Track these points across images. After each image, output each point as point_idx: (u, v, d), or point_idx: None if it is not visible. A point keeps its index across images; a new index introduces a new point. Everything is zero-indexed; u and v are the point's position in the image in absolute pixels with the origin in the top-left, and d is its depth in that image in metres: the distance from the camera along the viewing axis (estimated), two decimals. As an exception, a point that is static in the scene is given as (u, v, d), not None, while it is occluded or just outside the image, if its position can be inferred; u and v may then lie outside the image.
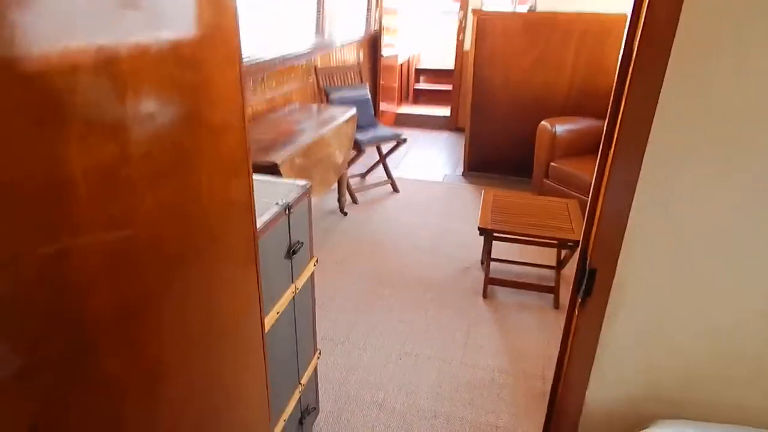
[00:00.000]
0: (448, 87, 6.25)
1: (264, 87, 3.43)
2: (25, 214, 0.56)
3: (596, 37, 3.89)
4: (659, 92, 0.75)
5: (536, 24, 3.99)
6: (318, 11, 4.23)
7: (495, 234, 2.71)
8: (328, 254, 3.23)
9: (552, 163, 3.68)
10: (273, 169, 2.57)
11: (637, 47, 0.74)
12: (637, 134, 0.78)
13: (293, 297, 1.55)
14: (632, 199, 0.83)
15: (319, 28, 4.29)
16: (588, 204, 0.90)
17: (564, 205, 2.94)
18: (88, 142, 0.63)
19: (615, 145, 0.80)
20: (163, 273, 0.82)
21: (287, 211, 1.44)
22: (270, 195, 1.50)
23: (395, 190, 4.29)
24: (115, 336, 0.72)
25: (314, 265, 1.72)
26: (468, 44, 5.51)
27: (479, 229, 2.69)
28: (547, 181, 3.75)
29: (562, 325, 2.57)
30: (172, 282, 0.85)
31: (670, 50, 0.73)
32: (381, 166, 4.30)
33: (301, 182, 1.60)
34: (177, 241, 0.85)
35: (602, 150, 0.85)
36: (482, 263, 3.16)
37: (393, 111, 6.23)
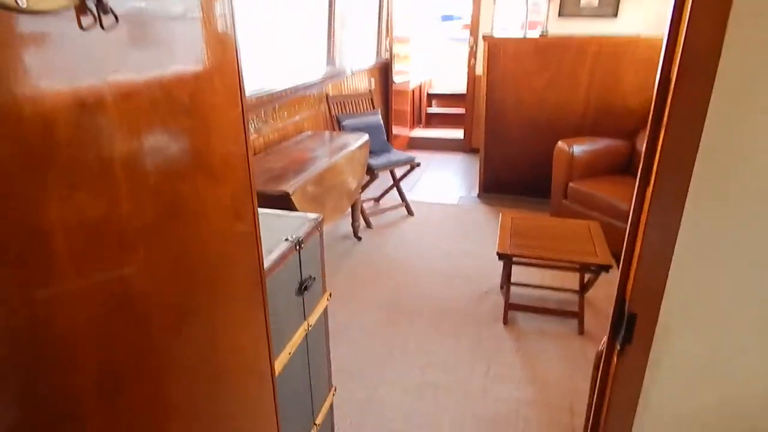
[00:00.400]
0: (461, 110, 6.23)
1: (276, 117, 3.44)
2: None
3: (610, 58, 3.84)
4: (703, 123, 0.69)
5: (548, 47, 3.97)
6: (329, 40, 4.27)
7: (515, 258, 2.64)
8: (342, 281, 3.18)
9: (570, 184, 3.61)
10: (285, 198, 2.55)
11: (676, 76, 0.69)
12: (679, 170, 0.72)
13: (306, 335, 1.49)
14: (675, 239, 0.76)
15: (330, 57, 4.32)
16: (624, 244, 0.84)
17: (586, 227, 2.86)
18: (71, 198, 0.59)
19: (654, 182, 0.74)
20: (159, 331, 0.78)
21: (298, 247, 1.40)
22: (280, 230, 1.46)
23: (410, 213, 4.24)
24: (101, 405, 0.67)
25: (327, 300, 1.67)
26: (479, 69, 5.51)
27: (498, 254, 2.61)
28: (566, 202, 3.67)
29: (588, 354, 2.49)
30: (171, 339, 0.81)
31: (713, 78, 0.67)
32: (395, 189, 4.27)
33: (312, 215, 1.56)
34: (174, 296, 0.80)
35: (639, 187, 0.79)
36: (501, 288, 3.07)
37: (406, 135, 6.23)
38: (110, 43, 0.63)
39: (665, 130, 0.73)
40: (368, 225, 3.98)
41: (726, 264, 0.81)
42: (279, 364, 1.32)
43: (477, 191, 4.68)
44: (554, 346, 2.58)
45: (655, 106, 0.75)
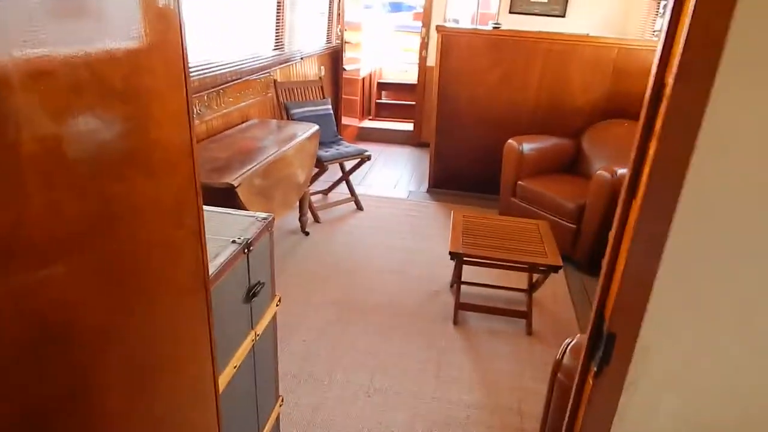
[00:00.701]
0: (411, 102, 6.18)
1: (220, 102, 3.23)
2: None
3: (560, 56, 3.89)
4: (697, 134, 0.64)
5: (501, 42, 3.96)
6: (277, 23, 4.07)
7: (466, 258, 2.60)
8: (288, 279, 3.04)
9: (519, 182, 3.63)
10: (229, 192, 2.38)
11: (673, 81, 0.63)
12: (669, 183, 0.67)
13: (253, 345, 1.37)
14: (661, 256, 0.71)
15: (279, 40, 4.13)
16: (606, 260, 0.78)
17: (535, 226, 2.87)
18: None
19: (643, 195, 0.68)
20: (85, 357, 0.64)
21: (246, 250, 1.27)
22: (226, 230, 1.32)
23: (359, 208, 4.14)
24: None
25: (277, 305, 1.55)
26: (431, 60, 5.46)
27: (450, 253, 2.57)
28: (515, 200, 3.69)
29: (536, 354, 2.50)
30: (99, 364, 0.68)
31: (711, 85, 0.62)
32: (344, 182, 4.15)
33: (262, 215, 1.43)
34: (102, 314, 0.67)
35: (624, 198, 0.73)
36: (451, 286, 3.04)
37: (355, 125, 6.10)
38: (19, 11, 0.49)
39: (657, 140, 0.67)
40: (316, 219, 3.85)
41: (711, 281, 0.77)
42: (223, 381, 1.19)
43: (426, 186, 4.64)
44: (503, 346, 2.57)
45: (646, 113, 0.69)
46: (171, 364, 0.90)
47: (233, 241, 1.25)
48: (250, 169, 2.56)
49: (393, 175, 5.03)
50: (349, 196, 4.15)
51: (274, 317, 1.54)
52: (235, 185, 2.37)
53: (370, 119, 6.68)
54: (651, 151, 0.67)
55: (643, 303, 0.75)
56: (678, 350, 0.78)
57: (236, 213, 1.43)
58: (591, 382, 0.83)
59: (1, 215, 0.49)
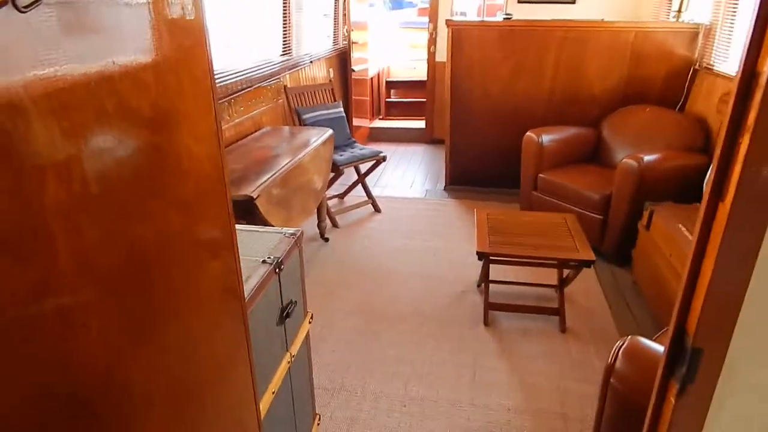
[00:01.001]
0: (421, 99, 6.09)
1: (231, 112, 3.19)
2: None
3: (575, 44, 3.78)
4: None
5: (513, 34, 3.86)
6: (284, 28, 4.01)
7: (493, 257, 2.53)
8: (312, 288, 2.96)
9: (540, 175, 3.54)
10: (248, 204, 2.33)
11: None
12: (764, 185, 0.59)
13: (289, 368, 1.31)
14: (754, 266, 0.64)
15: (287, 45, 4.07)
16: (687, 269, 0.71)
17: (562, 220, 2.78)
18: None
19: (733, 198, 0.60)
20: (120, 417, 0.59)
21: (277, 270, 1.21)
22: (255, 249, 1.27)
23: (377, 210, 4.07)
24: None
25: (309, 322, 1.49)
26: (439, 55, 5.38)
27: (478, 253, 2.50)
28: (536, 194, 3.60)
29: (573, 353, 2.42)
30: (139, 414, 0.62)
31: None
32: (360, 185, 4.09)
33: (290, 230, 1.37)
34: (138, 368, 0.61)
35: (708, 201, 0.66)
36: (479, 286, 2.97)
37: (366, 126, 6.04)
38: (30, 30, 0.44)
39: (751, 136, 0.59)
40: (335, 225, 3.80)
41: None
42: (263, 408, 1.14)
43: (443, 183, 4.56)
44: (538, 345, 2.49)
45: (735, 105, 0.61)
46: (213, 398, 0.84)
47: (264, 261, 1.20)
48: (268, 179, 2.51)
49: (408, 175, 4.96)
50: (366, 198, 4.09)
51: (307, 335, 1.49)
52: (254, 197, 2.32)
53: (380, 119, 6.62)
54: (742, 148, 0.59)
55: (733, 316, 0.67)
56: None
57: (263, 230, 1.37)
58: (673, 401, 0.76)
59: (25, 275, 0.43)
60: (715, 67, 3.39)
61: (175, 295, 0.66)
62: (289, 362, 1.31)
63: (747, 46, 0.58)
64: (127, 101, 0.56)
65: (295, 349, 1.36)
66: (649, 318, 2.69)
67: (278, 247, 1.28)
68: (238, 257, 0.85)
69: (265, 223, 2.48)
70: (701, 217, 0.68)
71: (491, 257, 2.52)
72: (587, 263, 2.40)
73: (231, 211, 0.80)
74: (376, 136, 6.11)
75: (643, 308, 2.78)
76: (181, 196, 0.66)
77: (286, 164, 2.75)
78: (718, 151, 0.64)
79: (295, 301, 1.33)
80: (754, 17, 0.56)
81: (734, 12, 3.24)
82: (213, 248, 0.76)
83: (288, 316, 1.28)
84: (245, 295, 1.06)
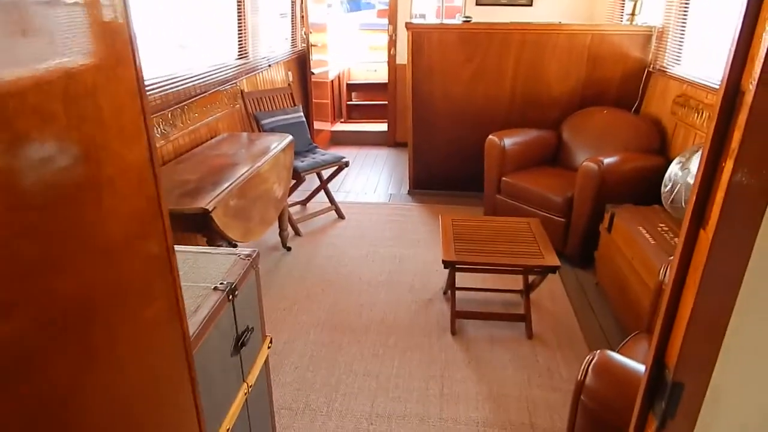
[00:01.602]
0: (382, 102, 6.04)
1: (185, 119, 3.04)
2: None
3: (534, 46, 3.80)
4: None
5: (473, 36, 3.85)
6: (240, 30, 3.88)
7: (460, 266, 2.49)
8: (274, 301, 2.88)
9: (504, 178, 3.53)
10: (203, 217, 2.21)
11: (756, 87, 0.51)
12: (749, 210, 0.55)
13: (246, 399, 1.22)
14: (737, 296, 0.60)
15: (243, 47, 3.94)
16: (665, 299, 0.66)
17: (527, 225, 2.77)
18: None
19: (717, 227, 0.56)
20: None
21: (231, 297, 1.12)
22: (205, 274, 1.17)
23: (340, 216, 3.99)
24: None
25: (269, 347, 1.40)
26: (400, 58, 5.34)
27: (444, 262, 2.45)
28: (500, 197, 3.59)
29: (540, 359, 2.41)
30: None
31: None
32: (322, 191, 4.00)
33: (245, 251, 1.28)
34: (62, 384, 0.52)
35: (689, 227, 0.61)
36: (445, 293, 2.93)
37: (328, 129, 5.94)
38: None
39: (735, 161, 0.55)
40: (297, 233, 3.69)
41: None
42: (216, 449, 1.05)
43: (407, 188, 4.52)
44: (505, 353, 2.47)
45: (716, 126, 0.57)
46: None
47: (215, 288, 1.10)
48: (224, 190, 2.39)
49: (372, 179, 4.89)
50: (329, 205, 4.00)
51: (266, 362, 1.40)
52: (210, 209, 2.21)
53: (342, 122, 6.53)
54: (725, 174, 0.55)
55: (716, 349, 0.63)
56: (753, 401, 0.67)
57: (216, 251, 1.28)
58: (652, 438, 0.71)
59: None
60: (668, 70, 3.47)
61: (96, 354, 0.57)
62: (246, 393, 1.22)
63: (730, 62, 0.53)
64: (41, 100, 0.47)
65: (252, 378, 1.27)
66: (612, 320, 2.71)
67: (232, 270, 1.19)
68: (180, 295, 0.76)
69: (223, 236, 2.36)
70: (681, 245, 0.63)
71: (457, 266, 2.48)
72: (552, 269, 2.39)
73: (171, 245, 0.72)
74: (338, 139, 6.02)
75: (606, 311, 2.80)
76: (105, 241, 0.57)
77: (244, 173, 2.63)
78: (698, 176, 0.60)
79: (252, 328, 1.24)
80: (738, 29, 0.52)
81: (685, 15, 3.32)
82: (147, 294, 0.67)
83: (244, 344, 1.19)
84: (195, 330, 0.97)
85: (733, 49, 0.53)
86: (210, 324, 1.02)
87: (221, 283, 1.12)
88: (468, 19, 4.04)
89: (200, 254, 1.26)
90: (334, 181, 4.18)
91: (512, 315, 2.67)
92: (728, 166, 0.56)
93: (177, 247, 1.27)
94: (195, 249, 1.28)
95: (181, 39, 4.43)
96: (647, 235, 2.49)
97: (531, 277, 2.69)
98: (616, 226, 2.74)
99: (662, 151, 3.28)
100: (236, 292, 1.14)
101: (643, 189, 2.97)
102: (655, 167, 3.04)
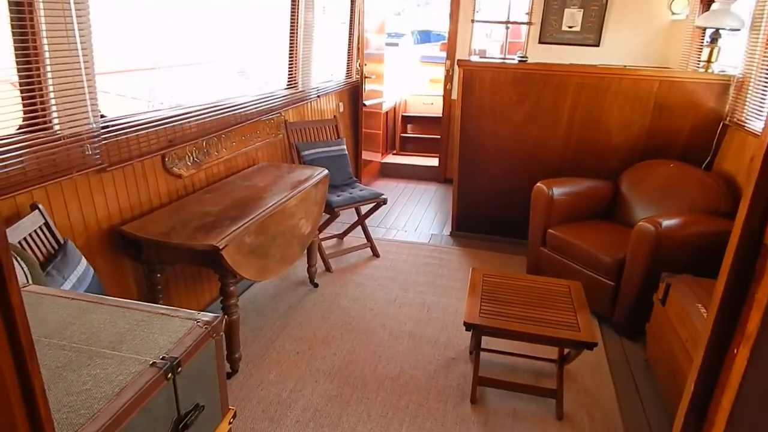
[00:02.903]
0: (437, 136, 5.89)
1: (221, 146, 3.03)
2: None
3: (593, 91, 3.54)
4: None
5: (527, 77, 3.64)
6: (291, 60, 3.88)
7: (484, 330, 2.25)
8: (288, 341, 2.75)
9: (550, 230, 3.26)
10: (214, 254, 2.13)
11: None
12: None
13: (185, 490, 1.07)
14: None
15: (292, 80, 3.94)
16: (684, 408, 0.46)
17: (566, 289, 2.50)
18: None
19: (756, 337, 0.36)
20: None
21: (172, 374, 0.99)
22: (150, 343, 1.04)
23: (375, 254, 3.84)
24: None
25: (230, 423, 1.25)
26: (455, 93, 5.19)
27: (466, 324, 2.23)
28: (544, 250, 3.32)
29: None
30: None
31: None
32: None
33: (207, 317, 1.14)
34: None
35: (712, 335, 0.42)
36: (471, 353, 2.69)
37: (378, 161, 5.86)
38: None
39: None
40: (328, 269, 3.57)
41: None
42: None
43: (450, 228, 4.31)
44: (529, 433, 2.19)
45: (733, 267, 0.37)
46: None
47: (153, 364, 0.97)
48: (241, 226, 2.31)
49: (415, 216, 4.72)
50: (365, 241, 3.86)
51: (227, 437, 1.24)
52: (220, 247, 2.12)
53: (394, 154, 6.43)
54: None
55: None
56: None
57: (174, 314, 1.15)
58: None
59: None
60: (747, 124, 3.09)
61: None
62: (187, 482, 1.07)
63: (745, 212, 0.34)
64: None
65: (201, 463, 1.12)
66: (661, 408, 2.36)
67: (183, 340, 1.06)
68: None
69: (234, 274, 2.27)
70: (701, 360, 0.43)
71: (482, 330, 2.25)
72: (589, 345, 2.11)
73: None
74: (388, 172, 5.92)
75: (654, 395, 2.45)
76: None
77: (268, 208, 2.55)
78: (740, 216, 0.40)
79: (202, 406, 1.09)
80: (753, 183, 0.32)
81: (771, 65, 2.96)
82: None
83: (187, 426, 1.04)
84: (106, 420, 0.84)
85: (750, 195, 0.33)
86: (132, 410, 0.89)
87: (162, 358, 0.99)
88: (524, 59, 3.84)
89: (156, 316, 1.14)
90: (376, 214, 4.06)
91: (542, 389, 2.38)
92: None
93: (135, 304, 1.16)
94: (154, 309, 1.16)
95: (241, 66, 4.49)
96: (706, 316, 2.15)
97: (566, 349, 2.40)
98: (671, 299, 2.41)
99: (732, 214, 2.90)
100: (179, 369, 1.01)
101: (706, 257, 2.61)
102: (723, 233, 2.66)
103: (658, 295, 2.55)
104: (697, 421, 0.62)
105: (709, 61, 3.44)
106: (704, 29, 3.72)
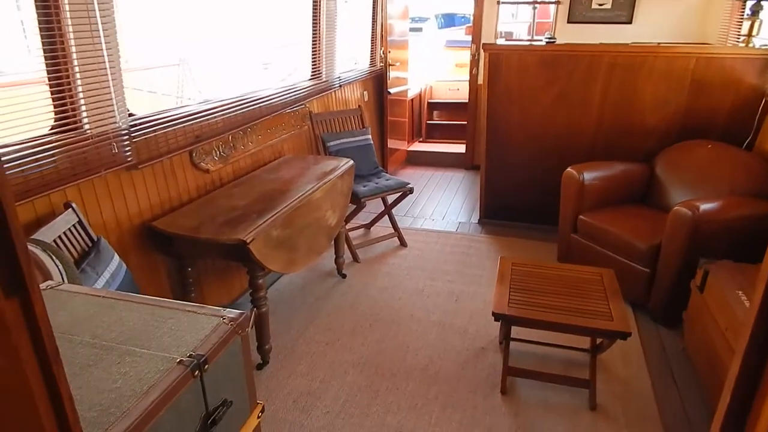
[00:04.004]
0: (464, 122, 5.81)
1: (248, 140, 3.05)
2: None
3: (627, 70, 3.41)
4: None
5: (556, 59, 3.53)
6: (314, 51, 3.87)
7: (513, 320, 2.22)
8: (317, 332, 2.78)
9: (581, 216, 3.18)
10: (241, 249, 2.15)
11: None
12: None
13: (216, 483, 1.09)
14: None
15: (316, 70, 3.93)
16: (721, 413, 0.43)
17: (598, 277, 2.43)
18: None
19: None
20: None
21: (198, 373, 1.00)
22: (177, 340, 1.06)
23: (403, 244, 3.83)
24: None
25: (259, 417, 1.27)
26: (481, 78, 5.09)
27: (494, 314, 2.20)
28: (576, 237, 3.24)
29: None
30: None
31: None
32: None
33: (232, 313, 1.16)
34: None
35: (755, 325, 0.39)
36: (501, 343, 2.66)
37: (404, 149, 5.82)
38: None
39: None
40: (355, 259, 3.58)
41: None
42: None
43: (478, 216, 4.26)
44: (561, 425, 2.16)
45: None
46: None
47: (180, 362, 0.99)
48: (268, 219, 2.33)
49: (443, 204, 4.68)
50: (392, 231, 3.85)
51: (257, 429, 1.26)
52: (248, 241, 2.14)
53: (420, 141, 6.38)
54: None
55: None
56: None
57: (201, 311, 1.17)
58: None
59: None
60: (792, 101, 2.94)
61: None
62: (217, 476, 1.09)
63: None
64: None
65: (231, 456, 1.14)
66: (699, 398, 2.29)
67: (209, 337, 1.07)
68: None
69: (262, 267, 2.29)
70: (735, 384, 0.40)
71: (511, 320, 2.21)
72: (622, 335, 2.05)
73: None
74: (414, 159, 5.88)
75: (692, 385, 2.37)
76: None
77: (293, 201, 2.56)
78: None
79: (230, 401, 1.11)
80: None
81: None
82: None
83: (215, 423, 1.06)
84: (135, 419, 0.85)
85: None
86: (161, 407, 0.91)
87: (189, 356, 1.00)
88: (552, 40, 3.73)
89: (184, 314, 1.15)
90: (403, 203, 4.04)
91: (574, 379, 2.34)
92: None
93: (162, 301, 1.18)
94: (181, 306, 1.18)
95: (266, 58, 4.50)
96: (747, 303, 2.07)
97: (599, 338, 2.35)
98: (710, 286, 2.32)
99: (777, 197, 2.77)
100: (206, 366, 1.02)
101: (747, 242, 2.51)
102: (766, 217, 2.56)
103: (696, 281, 2.46)
104: (737, 423, 0.58)
105: (749, 35, 3.27)
106: (744, 1, 3.53)
